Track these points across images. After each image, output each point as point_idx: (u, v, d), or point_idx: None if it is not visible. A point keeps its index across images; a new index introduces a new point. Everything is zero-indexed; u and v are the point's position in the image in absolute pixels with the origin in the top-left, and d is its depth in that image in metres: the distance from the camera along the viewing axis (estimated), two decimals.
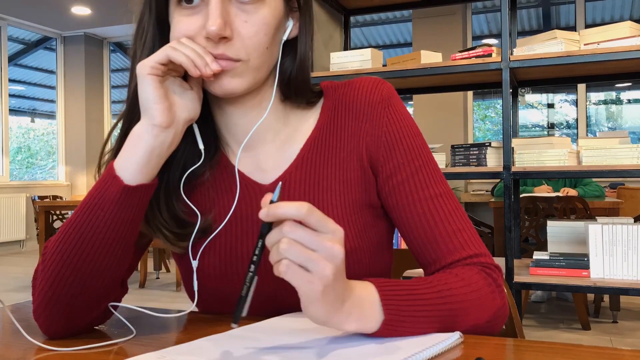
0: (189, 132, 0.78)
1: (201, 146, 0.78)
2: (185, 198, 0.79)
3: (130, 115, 0.75)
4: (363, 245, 0.80)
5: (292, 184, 0.81)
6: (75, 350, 0.68)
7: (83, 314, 0.74)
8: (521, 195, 3.49)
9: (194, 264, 0.79)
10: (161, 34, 0.77)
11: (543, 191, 4.11)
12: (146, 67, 0.69)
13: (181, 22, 0.73)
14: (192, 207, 0.79)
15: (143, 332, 0.75)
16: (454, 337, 0.66)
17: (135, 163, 0.70)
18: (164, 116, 0.70)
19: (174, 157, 0.78)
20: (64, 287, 0.70)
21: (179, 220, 0.79)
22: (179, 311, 0.81)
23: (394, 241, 0.91)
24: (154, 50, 0.74)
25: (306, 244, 0.57)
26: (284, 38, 0.78)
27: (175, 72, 0.73)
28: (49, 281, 0.71)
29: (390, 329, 0.65)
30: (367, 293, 0.64)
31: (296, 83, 0.81)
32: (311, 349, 0.62)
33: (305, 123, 0.85)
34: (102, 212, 0.69)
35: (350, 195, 0.80)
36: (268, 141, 0.83)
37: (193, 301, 0.82)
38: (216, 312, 0.84)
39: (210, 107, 0.83)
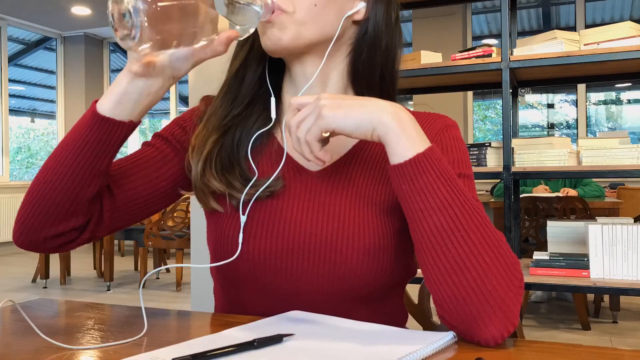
0: (266, 103, 0.86)
1: (273, 115, 0.85)
2: (250, 158, 0.84)
3: None
4: (391, 246, 0.80)
5: (339, 174, 0.84)
6: (87, 348, 0.68)
7: (59, 224, 0.79)
8: (521, 196, 3.49)
9: (243, 219, 0.81)
10: None
11: (540, 191, 4.11)
12: None
13: None
14: (251, 166, 0.84)
15: (137, 331, 0.75)
16: (448, 336, 0.66)
17: (110, 99, 0.75)
18: (140, 67, 0.73)
19: (248, 121, 0.86)
20: (41, 198, 0.78)
21: (237, 173, 0.84)
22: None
23: None
24: None
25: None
26: (348, 13, 0.81)
27: None
28: (30, 195, 0.79)
29: (431, 152, 0.70)
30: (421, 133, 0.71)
31: (363, 66, 0.85)
32: (307, 350, 0.62)
33: None
34: (74, 133, 0.76)
35: (390, 197, 0.82)
36: None
37: (231, 256, 0.80)
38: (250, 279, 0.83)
39: (283, 86, 0.90)
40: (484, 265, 0.66)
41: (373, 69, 0.86)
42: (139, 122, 0.79)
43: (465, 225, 0.67)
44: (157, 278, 5.31)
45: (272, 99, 0.85)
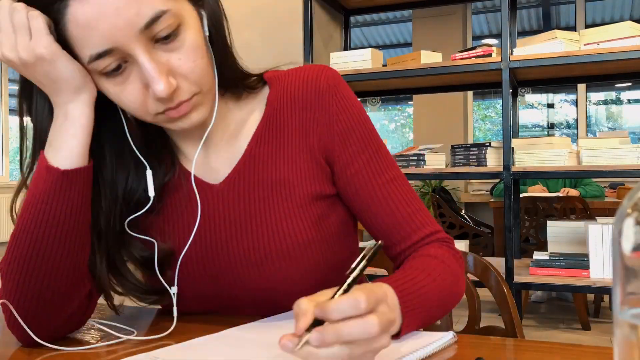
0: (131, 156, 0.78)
1: (152, 193, 0.78)
2: (135, 234, 0.79)
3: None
4: (319, 236, 0.80)
5: (242, 181, 0.81)
6: (77, 350, 0.68)
7: (56, 310, 0.73)
8: (521, 195, 3.49)
9: (173, 290, 0.79)
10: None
11: (537, 191, 4.12)
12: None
13: (122, 92, 0.69)
14: (148, 239, 0.79)
15: (137, 331, 0.75)
16: (448, 336, 0.66)
17: (64, 151, 0.69)
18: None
19: (115, 196, 0.78)
20: (28, 293, 0.70)
21: (146, 264, 0.80)
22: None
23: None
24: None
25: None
26: (207, 33, 0.74)
27: None
28: (12, 295, 0.70)
29: (407, 328, 0.65)
30: (392, 304, 0.63)
31: (226, 68, 0.78)
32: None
33: (250, 115, 0.84)
34: (49, 209, 0.69)
35: (301, 188, 0.80)
36: (216, 140, 0.82)
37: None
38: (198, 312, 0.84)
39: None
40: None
41: (229, 62, 0.79)
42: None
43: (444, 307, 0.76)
44: None
45: (149, 172, 0.78)
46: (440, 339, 0.65)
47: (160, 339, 0.71)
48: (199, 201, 0.80)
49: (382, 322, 0.51)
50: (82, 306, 0.76)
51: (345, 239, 0.86)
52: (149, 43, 0.66)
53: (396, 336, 0.64)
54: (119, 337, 0.72)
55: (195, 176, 0.81)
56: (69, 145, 0.69)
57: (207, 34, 0.73)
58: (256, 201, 0.80)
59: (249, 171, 0.81)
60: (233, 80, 0.80)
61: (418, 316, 0.67)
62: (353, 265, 0.56)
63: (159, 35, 0.66)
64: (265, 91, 0.84)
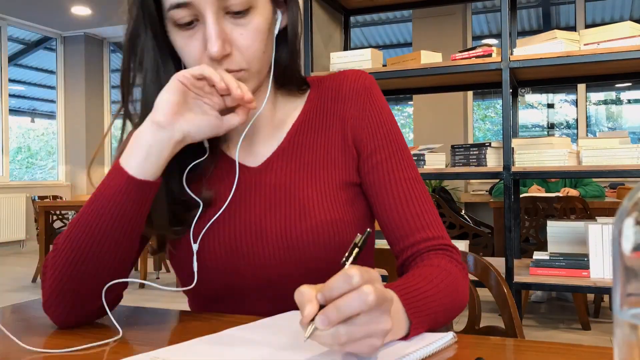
0: None
1: (206, 144, 0.82)
2: (187, 189, 0.82)
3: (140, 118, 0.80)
4: (346, 217, 0.84)
5: (280, 164, 0.87)
6: (63, 352, 0.68)
7: (91, 301, 0.77)
8: (521, 196, 3.49)
9: (195, 247, 0.82)
10: (160, 49, 0.81)
11: (533, 191, 4.12)
12: (179, 75, 0.74)
13: (186, 46, 0.77)
14: (193, 197, 0.82)
15: (137, 331, 0.75)
16: (448, 336, 0.66)
17: (138, 157, 0.74)
18: (165, 115, 0.73)
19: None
20: (74, 276, 0.74)
21: (180, 206, 0.83)
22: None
23: None
24: (157, 68, 0.80)
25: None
26: (276, 32, 0.83)
27: (203, 92, 0.75)
28: (61, 272, 0.75)
29: (415, 331, 0.67)
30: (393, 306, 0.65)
31: (289, 71, 0.87)
32: (306, 350, 0.62)
33: (294, 110, 0.92)
34: (108, 205, 0.73)
35: (334, 174, 0.86)
36: (261, 128, 0.89)
37: (189, 284, 0.83)
38: (213, 294, 0.86)
39: None
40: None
41: (294, 65, 0.88)
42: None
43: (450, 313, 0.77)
44: (157, 278, 5.31)
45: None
46: (440, 339, 0.65)
47: (155, 338, 0.71)
48: (237, 175, 0.84)
49: (378, 294, 0.52)
50: (110, 302, 0.79)
51: (364, 226, 0.88)
52: (221, 11, 0.75)
53: (405, 337, 0.66)
54: (108, 338, 0.72)
55: (235, 160, 0.86)
56: (139, 154, 0.74)
57: (276, 32, 0.82)
58: (290, 183, 0.85)
59: (286, 157, 0.87)
60: (289, 77, 0.88)
61: (425, 318, 0.68)
62: (346, 254, 0.59)
63: (232, 8, 0.75)
64: (307, 91, 0.93)
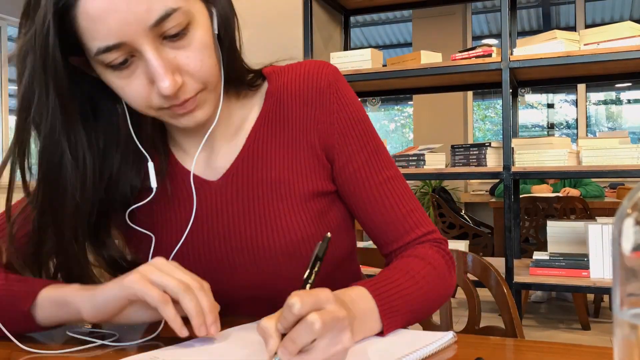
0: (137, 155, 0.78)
1: (154, 185, 0.77)
2: (135, 226, 0.80)
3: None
4: (318, 232, 0.80)
5: (240, 177, 0.81)
6: (61, 353, 0.68)
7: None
8: (521, 196, 3.49)
9: None
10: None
11: (543, 191, 4.12)
12: (131, 289, 0.65)
13: (127, 86, 0.68)
14: (145, 232, 0.80)
15: (136, 331, 0.75)
16: (448, 336, 0.66)
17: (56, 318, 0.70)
18: (95, 318, 0.69)
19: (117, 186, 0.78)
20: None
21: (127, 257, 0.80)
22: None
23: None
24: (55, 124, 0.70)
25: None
26: (217, 32, 0.73)
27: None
28: None
29: (390, 328, 0.68)
30: (364, 303, 0.66)
31: (232, 68, 0.77)
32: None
33: (251, 112, 0.83)
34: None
35: (301, 184, 0.80)
36: (217, 137, 0.82)
37: None
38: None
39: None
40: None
41: (235, 60, 0.78)
42: None
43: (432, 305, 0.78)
44: None
45: (150, 165, 0.78)
46: (440, 339, 0.65)
47: (148, 341, 0.71)
48: (195, 199, 0.80)
49: (325, 318, 0.52)
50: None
51: (345, 235, 0.86)
52: (158, 39, 0.66)
53: (380, 334, 0.67)
54: (95, 342, 0.72)
55: (194, 174, 0.81)
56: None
57: (217, 32, 0.73)
58: (255, 198, 0.80)
59: (248, 167, 0.81)
60: (237, 77, 0.79)
61: (400, 315, 0.68)
62: (308, 269, 0.59)
63: (168, 32, 0.66)
64: (264, 86, 0.84)
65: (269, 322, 0.55)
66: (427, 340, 0.64)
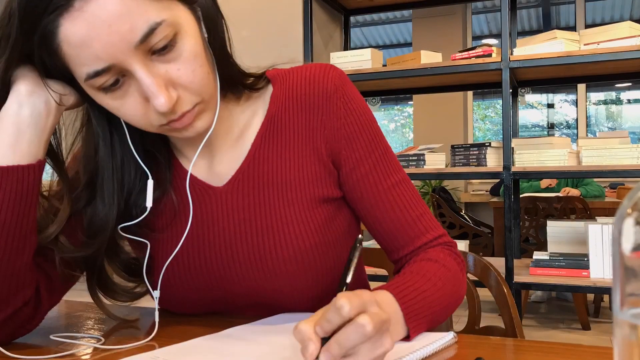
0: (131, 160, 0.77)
1: (149, 204, 0.76)
2: (131, 236, 0.79)
3: None
4: (325, 239, 0.79)
5: (246, 183, 0.79)
6: (49, 357, 0.68)
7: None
8: (521, 196, 3.49)
9: (156, 294, 0.79)
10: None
11: (546, 184, 4.14)
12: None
13: (122, 106, 0.67)
14: (141, 241, 0.79)
15: (134, 332, 0.75)
16: (448, 336, 0.66)
17: (5, 144, 0.68)
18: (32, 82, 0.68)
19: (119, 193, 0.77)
20: None
21: (130, 264, 0.81)
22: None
23: None
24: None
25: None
26: (207, 36, 0.71)
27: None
28: None
29: (415, 333, 0.68)
30: (390, 307, 0.66)
31: (225, 70, 0.75)
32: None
33: (255, 117, 0.81)
34: None
35: (308, 191, 0.79)
36: (220, 143, 0.81)
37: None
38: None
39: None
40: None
41: (227, 63, 0.76)
42: (44, 160, 0.72)
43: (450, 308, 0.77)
44: None
45: (150, 183, 0.76)
46: (441, 339, 0.65)
47: (162, 338, 0.71)
48: (191, 205, 0.78)
49: (375, 320, 0.52)
50: (22, 314, 0.73)
51: (351, 241, 0.85)
52: (146, 56, 0.64)
53: (406, 339, 0.66)
54: (105, 340, 0.72)
55: (198, 179, 0.80)
56: (15, 140, 0.68)
57: (206, 35, 0.71)
58: (260, 204, 0.78)
59: (253, 173, 0.79)
60: (232, 81, 0.77)
61: (423, 318, 0.68)
62: (343, 273, 0.58)
63: (156, 47, 0.64)
64: (269, 90, 0.82)
65: (307, 325, 0.52)
66: (427, 340, 0.64)
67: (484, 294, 1.10)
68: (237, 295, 0.80)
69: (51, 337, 0.73)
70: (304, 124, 0.79)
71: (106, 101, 0.67)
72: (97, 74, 0.63)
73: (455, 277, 0.78)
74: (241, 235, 0.78)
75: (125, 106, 0.67)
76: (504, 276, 1.19)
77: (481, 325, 1.05)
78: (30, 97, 0.68)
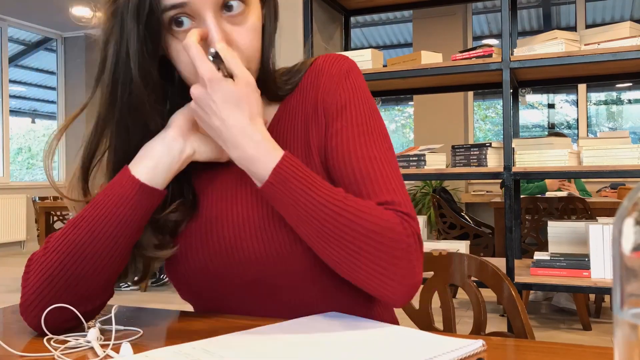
0: None
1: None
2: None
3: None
4: None
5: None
6: (55, 354, 0.68)
7: (77, 306, 0.74)
8: (521, 196, 3.49)
9: (173, 251, 0.81)
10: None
11: (556, 187, 4.18)
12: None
13: (183, 50, 0.73)
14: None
15: (134, 332, 0.75)
16: (477, 344, 0.60)
17: (148, 166, 0.75)
18: (181, 129, 0.77)
19: None
20: (62, 277, 0.72)
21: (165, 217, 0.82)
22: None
23: None
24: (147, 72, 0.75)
25: None
26: (267, 27, 0.81)
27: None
28: (51, 273, 0.72)
29: (270, 191, 0.71)
30: (275, 149, 0.72)
31: (267, 61, 0.81)
32: (321, 353, 0.62)
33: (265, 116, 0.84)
34: (115, 209, 0.73)
35: (312, 158, 0.81)
36: None
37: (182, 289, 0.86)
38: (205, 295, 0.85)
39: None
40: (357, 258, 0.70)
41: (267, 64, 0.82)
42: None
43: (329, 232, 0.70)
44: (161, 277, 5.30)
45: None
46: (468, 346, 0.59)
47: (161, 338, 0.71)
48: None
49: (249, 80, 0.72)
50: (94, 310, 0.79)
51: None
52: (219, 11, 0.74)
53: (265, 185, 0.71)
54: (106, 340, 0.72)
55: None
56: (150, 164, 0.75)
57: (268, 27, 0.81)
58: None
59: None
60: (269, 81, 0.83)
61: (285, 190, 0.70)
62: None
63: (230, 7, 0.74)
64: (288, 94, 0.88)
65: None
66: (453, 346, 0.59)
67: (483, 294, 1.10)
68: (239, 270, 0.80)
69: (97, 325, 0.74)
70: (310, 98, 0.83)
71: (171, 43, 0.75)
72: (174, 7, 0.72)
73: (387, 229, 0.70)
74: (257, 206, 0.80)
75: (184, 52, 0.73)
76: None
77: (487, 331, 1.04)
78: (173, 142, 0.77)
